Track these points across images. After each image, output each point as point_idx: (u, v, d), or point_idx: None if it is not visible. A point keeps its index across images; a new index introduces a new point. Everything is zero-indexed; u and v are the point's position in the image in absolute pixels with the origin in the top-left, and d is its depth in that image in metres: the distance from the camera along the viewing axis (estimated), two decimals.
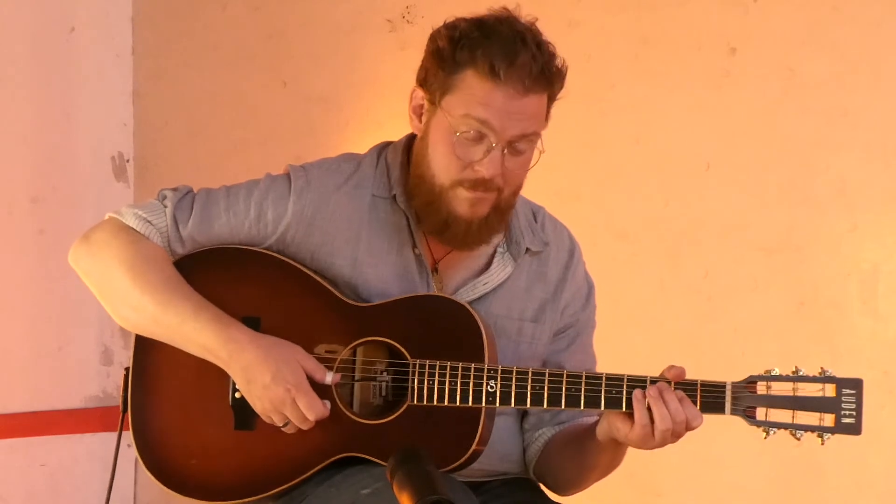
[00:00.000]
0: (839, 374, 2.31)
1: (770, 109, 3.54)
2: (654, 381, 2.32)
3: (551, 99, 2.46)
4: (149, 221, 2.49)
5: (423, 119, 2.44)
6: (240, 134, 4.48)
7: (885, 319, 3.37)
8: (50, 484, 4.50)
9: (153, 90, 4.70)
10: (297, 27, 4.41)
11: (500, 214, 2.45)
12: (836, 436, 2.28)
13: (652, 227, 3.72)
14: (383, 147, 2.56)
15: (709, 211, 3.63)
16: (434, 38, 2.41)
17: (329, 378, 2.38)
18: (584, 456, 2.51)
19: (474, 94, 2.36)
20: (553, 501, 2.58)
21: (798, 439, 2.29)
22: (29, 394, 4.45)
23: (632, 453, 3.74)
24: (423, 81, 2.43)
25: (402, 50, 4.10)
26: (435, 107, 2.41)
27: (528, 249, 2.54)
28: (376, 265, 2.48)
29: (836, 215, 3.44)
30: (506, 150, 2.38)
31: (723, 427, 3.57)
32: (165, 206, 2.50)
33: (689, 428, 2.34)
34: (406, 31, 4.13)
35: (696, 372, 3.47)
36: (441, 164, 2.40)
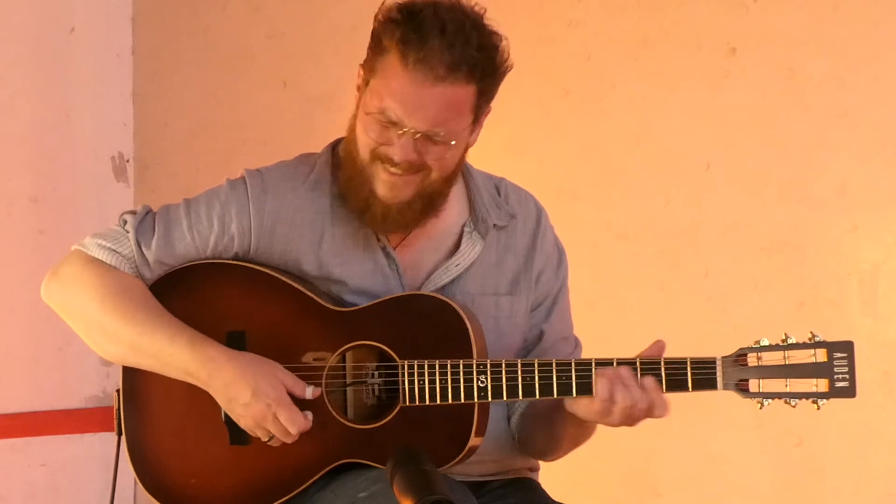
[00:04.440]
0: (829, 339, 2.29)
1: (770, 109, 3.54)
2: (644, 364, 2.33)
3: (483, 93, 2.40)
4: (114, 250, 2.47)
5: (359, 96, 2.44)
6: (240, 134, 4.48)
7: (885, 319, 3.37)
8: (50, 484, 4.50)
9: (153, 90, 4.70)
10: (297, 27, 4.40)
11: (427, 200, 2.42)
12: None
13: (652, 227, 3.72)
14: (337, 143, 2.56)
15: (709, 211, 3.63)
16: (375, 17, 2.40)
17: (309, 393, 2.39)
18: (552, 427, 2.51)
19: (387, 78, 2.35)
20: (554, 501, 2.58)
21: (793, 406, 2.28)
22: (29, 394, 4.45)
23: (632, 453, 3.75)
24: (365, 61, 2.42)
25: None
26: (365, 85, 2.41)
27: (494, 225, 2.54)
28: (345, 264, 2.48)
29: (836, 215, 3.44)
30: (419, 136, 2.35)
31: (723, 426, 3.58)
32: (127, 231, 2.48)
33: (649, 415, 2.32)
34: None
35: None
36: (361, 140, 2.40)
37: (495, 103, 3.97)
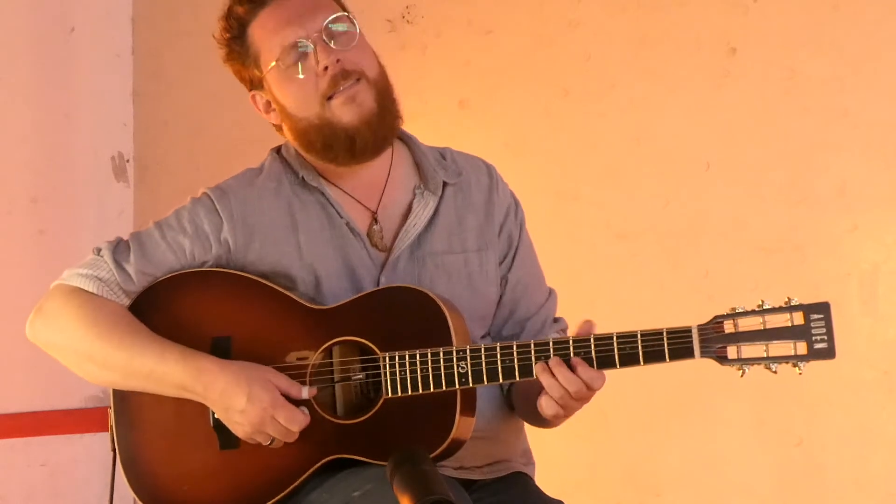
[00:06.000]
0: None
1: (770, 109, 3.54)
2: (642, 335, 2.33)
3: None
4: (94, 276, 2.51)
5: (273, 102, 2.55)
6: (240, 134, 4.48)
7: (885, 319, 3.37)
8: (50, 484, 4.50)
9: (153, 90, 4.70)
10: None
11: (386, 100, 2.50)
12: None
13: (652, 227, 3.72)
14: (277, 149, 2.64)
15: (709, 211, 3.63)
16: (222, 51, 2.56)
17: (305, 393, 2.41)
18: (533, 415, 2.52)
19: (266, 33, 2.49)
20: (548, 497, 2.58)
21: (774, 372, 2.27)
22: (29, 394, 4.45)
23: (632, 453, 3.75)
24: (251, 84, 2.57)
25: (402, 50, 4.11)
26: (265, 79, 2.52)
27: (445, 183, 2.59)
28: (317, 243, 2.51)
29: (836, 215, 3.44)
30: (325, 37, 2.46)
31: (723, 426, 3.58)
32: (103, 257, 2.52)
33: (590, 389, 2.34)
34: (406, 31, 4.13)
35: (698, 371, 3.47)
36: (302, 99, 2.50)
37: (495, 103, 3.99)
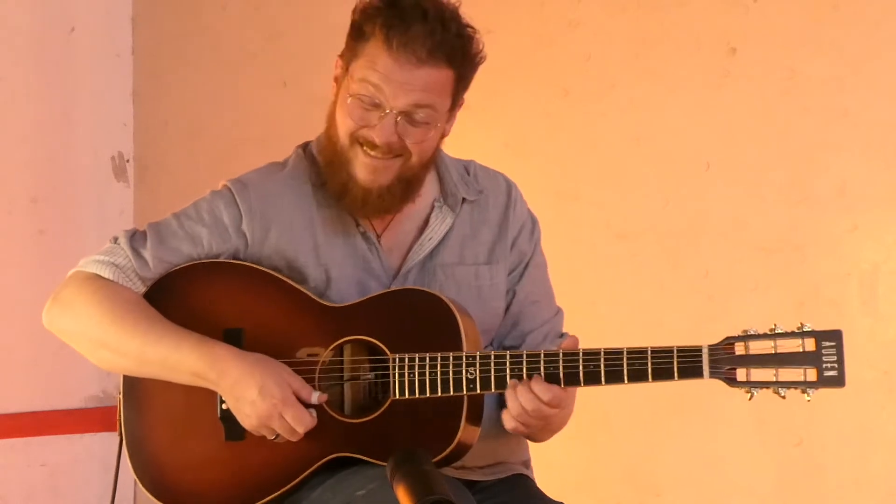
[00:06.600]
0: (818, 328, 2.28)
1: (770, 109, 3.54)
2: (651, 352, 2.33)
3: (461, 79, 2.49)
4: (111, 262, 2.51)
5: (337, 85, 2.51)
6: (240, 134, 4.48)
7: (885, 319, 3.37)
8: (50, 484, 4.50)
9: (153, 90, 4.70)
10: (297, 27, 4.40)
11: (406, 185, 2.49)
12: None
13: (652, 227, 3.72)
14: (305, 145, 2.62)
15: (709, 211, 3.63)
16: (354, 9, 2.49)
17: (315, 397, 2.41)
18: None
19: (371, 61, 2.43)
20: (549, 499, 2.59)
21: (783, 397, 2.27)
22: (29, 394, 4.45)
23: (632, 453, 3.75)
24: (342, 52, 2.50)
25: None
26: (345, 73, 2.48)
27: (464, 199, 2.60)
28: (332, 247, 2.52)
29: (836, 215, 3.44)
30: (400, 118, 2.42)
31: (723, 426, 3.58)
32: (119, 244, 2.53)
33: (543, 402, 2.34)
34: None
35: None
36: (342, 125, 2.47)
37: (495, 103, 3.99)
